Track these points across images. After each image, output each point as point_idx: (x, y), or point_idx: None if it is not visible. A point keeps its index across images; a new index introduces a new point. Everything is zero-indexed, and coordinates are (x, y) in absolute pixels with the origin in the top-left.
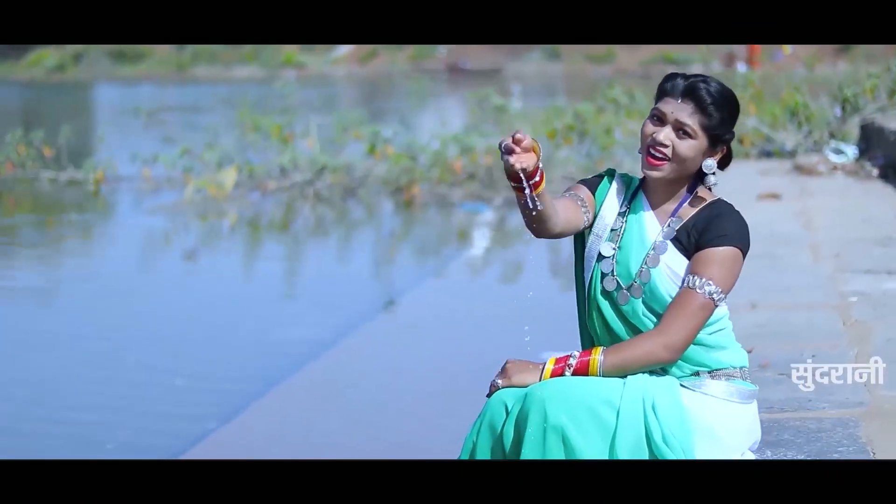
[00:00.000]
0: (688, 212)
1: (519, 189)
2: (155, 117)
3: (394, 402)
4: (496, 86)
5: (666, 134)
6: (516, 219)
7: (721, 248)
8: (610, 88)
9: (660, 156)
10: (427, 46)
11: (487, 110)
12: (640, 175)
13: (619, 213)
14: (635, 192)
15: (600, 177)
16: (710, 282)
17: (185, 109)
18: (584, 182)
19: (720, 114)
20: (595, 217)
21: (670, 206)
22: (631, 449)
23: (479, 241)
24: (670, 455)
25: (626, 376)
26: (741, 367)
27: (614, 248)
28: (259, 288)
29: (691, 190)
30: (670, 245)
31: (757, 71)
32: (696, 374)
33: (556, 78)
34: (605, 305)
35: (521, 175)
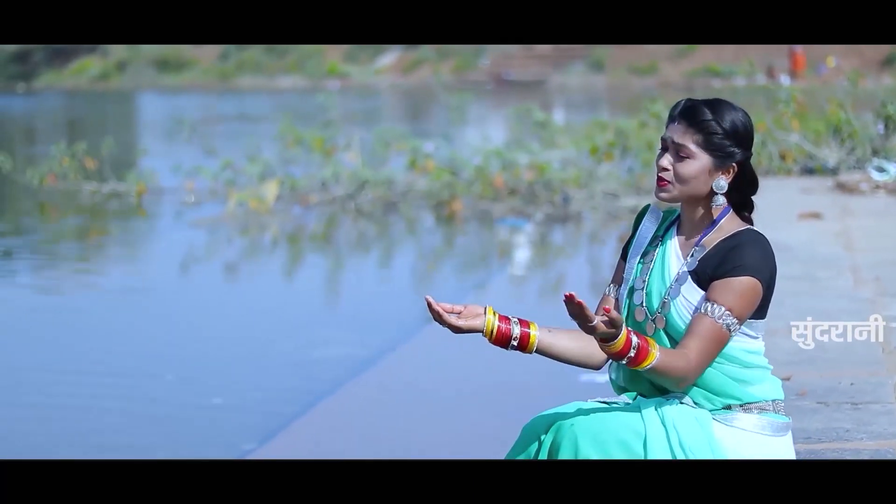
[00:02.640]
0: (712, 241)
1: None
2: (198, 129)
3: (436, 417)
4: (540, 98)
5: (666, 158)
6: (556, 234)
7: (738, 279)
8: (652, 103)
9: (663, 180)
10: (471, 57)
11: (529, 125)
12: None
13: (651, 246)
14: (671, 224)
15: (635, 222)
16: (730, 313)
17: (229, 119)
18: (622, 253)
19: (717, 129)
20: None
21: (696, 236)
22: None
23: (520, 256)
24: None
25: (636, 396)
26: (773, 400)
27: (644, 281)
28: (298, 303)
29: (718, 220)
30: (689, 276)
31: (800, 84)
32: (728, 407)
33: (599, 90)
34: None
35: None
